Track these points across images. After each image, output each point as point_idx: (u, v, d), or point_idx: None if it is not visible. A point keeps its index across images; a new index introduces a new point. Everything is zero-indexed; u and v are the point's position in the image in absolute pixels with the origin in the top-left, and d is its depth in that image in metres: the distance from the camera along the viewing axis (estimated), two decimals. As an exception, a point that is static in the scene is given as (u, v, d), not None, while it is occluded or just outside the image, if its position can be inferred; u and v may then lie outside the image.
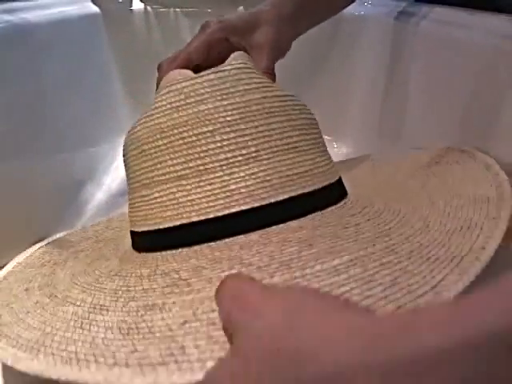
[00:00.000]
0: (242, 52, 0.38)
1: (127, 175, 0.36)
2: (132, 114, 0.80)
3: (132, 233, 0.36)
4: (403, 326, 0.15)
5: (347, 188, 0.37)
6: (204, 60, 0.40)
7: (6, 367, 0.29)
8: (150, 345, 0.22)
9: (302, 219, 0.31)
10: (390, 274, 0.23)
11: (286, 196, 0.30)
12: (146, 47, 0.79)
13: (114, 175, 0.68)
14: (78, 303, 0.29)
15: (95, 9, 0.73)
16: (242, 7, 0.74)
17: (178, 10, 0.77)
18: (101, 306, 0.27)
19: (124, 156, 0.36)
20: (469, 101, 0.46)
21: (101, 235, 0.47)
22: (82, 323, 0.26)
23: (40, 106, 0.53)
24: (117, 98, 0.78)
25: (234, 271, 0.26)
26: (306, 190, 0.32)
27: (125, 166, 0.36)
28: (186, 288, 0.26)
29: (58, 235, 0.47)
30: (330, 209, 0.32)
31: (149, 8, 0.77)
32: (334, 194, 0.34)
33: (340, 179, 0.36)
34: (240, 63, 0.33)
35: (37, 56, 0.54)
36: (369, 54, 0.67)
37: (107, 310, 0.27)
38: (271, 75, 0.39)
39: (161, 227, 0.32)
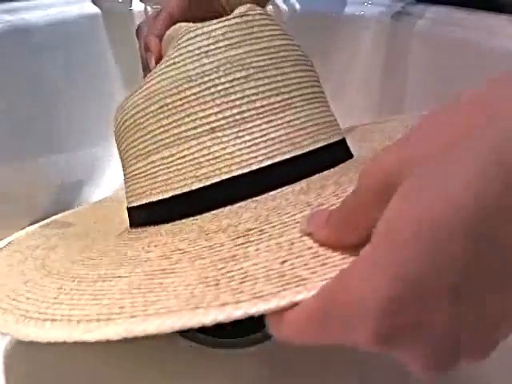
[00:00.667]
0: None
1: (126, 144, 0.32)
2: (132, 114, 0.80)
3: (141, 207, 0.31)
4: None
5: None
6: (184, 13, 0.38)
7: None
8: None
9: (341, 165, 0.30)
10: None
11: (322, 143, 0.30)
12: (146, 47, 0.79)
13: (114, 175, 0.68)
14: (128, 274, 0.24)
15: (95, 9, 0.73)
16: (241, 7, 0.74)
17: (177, 9, 0.77)
18: (160, 270, 0.23)
19: (122, 124, 0.32)
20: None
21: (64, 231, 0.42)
22: (148, 289, 0.21)
23: (40, 106, 0.53)
24: (117, 98, 0.78)
25: (306, 212, 0.22)
26: (336, 139, 0.31)
27: (122, 136, 0.32)
28: (264, 235, 0.22)
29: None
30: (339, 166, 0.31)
31: (149, 8, 0.77)
32: (342, 148, 0.33)
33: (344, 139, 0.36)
34: (258, 10, 0.31)
35: (37, 56, 0.54)
36: (368, 54, 0.67)
37: (173, 272, 0.22)
38: None
39: (193, 188, 0.28)
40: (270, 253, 0.20)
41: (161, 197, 0.29)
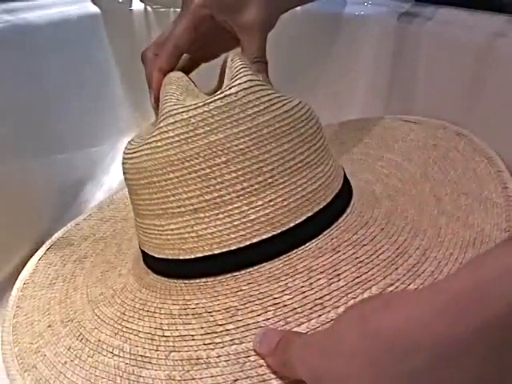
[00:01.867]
0: (237, 51, 0.36)
1: (132, 199, 0.35)
2: (132, 114, 0.80)
3: (145, 253, 0.35)
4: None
5: (346, 170, 0.37)
6: (190, 44, 0.37)
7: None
8: None
9: (321, 238, 0.30)
10: None
11: (303, 218, 0.30)
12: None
13: (114, 175, 0.68)
14: (116, 352, 0.28)
15: (95, 9, 0.73)
16: (242, 7, 0.74)
17: (178, 9, 0.77)
18: (142, 357, 0.27)
19: (126, 180, 0.34)
20: (469, 101, 0.46)
21: (98, 231, 0.47)
22: (128, 380, 0.26)
23: (40, 106, 0.53)
24: (117, 98, 0.78)
25: (269, 314, 0.26)
26: (321, 206, 0.31)
27: (128, 190, 0.35)
28: (227, 338, 0.26)
29: (54, 237, 0.47)
30: (342, 218, 0.32)
31: (149, 8, 0.77)
32: (344, 197, 0.34)
33: (345, 175, 0.36)
34: (245, 81, 0.31)
35: (37, 56, 0.54)
36: (369, 55, 0.67)
37: (150, 363, 0.26)
38: (263, 63, 0.37)
39: (181, 258, 0.31)
40: (227, 362, 0.25)
41: (156, 255, 0.33)
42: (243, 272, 0.30)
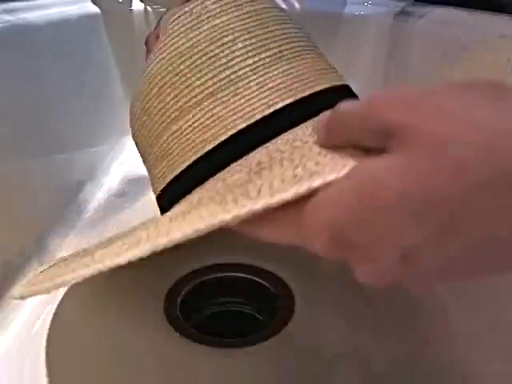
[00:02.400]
0: None
1: (143, 132, 0.34)
2: (132, 114, 0.80)
3: (167, 186, 0.33)
4: None
5: None
6: None
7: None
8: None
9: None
10: None
11: (320, 87, 0.31)
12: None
13: (114, 175, 0.68)
14: None
15: (95, 9, 0.73)
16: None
17: (177, 9, 0.77)
18: None
19: (136, 111, 0.34)
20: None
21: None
22: None
23: (40, 106, 0.53)
24: (117, 98, 0.78)
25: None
26: (338, 83, 0.32)
27: (138, 120, 0.34)
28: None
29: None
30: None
31: (149, 8, 0.77)
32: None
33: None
34: None
35: (37, 56, 0.54)
36: (369, 54, 0.67)
37: None
38: None
39: (206, 150, 0.30)
40: (281, 166, 0.22)
41: (183, 166, 0.31)
42: (273, 141, 0.28)
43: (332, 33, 0.70)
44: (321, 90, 0.30)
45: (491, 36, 0.43)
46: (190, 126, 0.30)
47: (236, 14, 0.31)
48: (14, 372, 0.36)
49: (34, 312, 0.42)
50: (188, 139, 0.30)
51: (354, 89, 0.34)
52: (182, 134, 0.31)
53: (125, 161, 0.72)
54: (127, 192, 0.63)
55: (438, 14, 0.54)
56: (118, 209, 0.59)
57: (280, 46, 0.30)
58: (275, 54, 0.30)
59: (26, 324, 0.40)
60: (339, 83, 0.33)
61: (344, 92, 0.33)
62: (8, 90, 0.46)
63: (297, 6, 0.72)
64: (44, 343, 0.38)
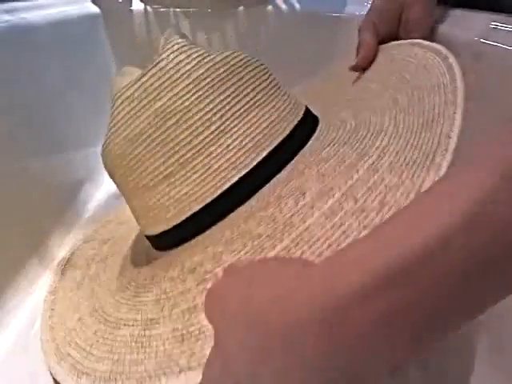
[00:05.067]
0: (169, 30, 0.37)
1: (119, 188, 0.37)
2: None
3: (147, 236, 0.37)
4: (330, 269, 0.17)
5: (316, 111, 0.37)
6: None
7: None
8: (204, 344, 0.25)
9: (288, 167, 0.31)
10: (378, 194, 0.25)
11: (265, 154, 0.31)
12: (146, 47, 0.79)
13: (114, 175, 0.68)
14: (131, 323, 0.30)
15: (95, 9, 0.73)
16: (242, 7, 0.74)
17: (177, 9, 0.77)
18: (151, 320, 0.29)
19: (107, 171, 0.37)
20: (470, 101, 0.46)
21: (116, 233, 0.49)
22: (141, 342, 0.28)
23: (40, 106, 0.53)
24: (117, 98, 0.77)
25: (247, 248, 0.27)
26: (280, 139, 0.32)
27: (112, 178, 0.37)
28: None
29: (75, 244, 0.50)
30: (308, 144, 0.33)
31: (149, 8, 0.77)
32: (307, 126, 0.34)
33: (307, 109, 0.36)
34: (173, 45, 0.32)
35: (37, 56, 0.54)
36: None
37: (158, 323, 0.29)
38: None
39: (169, 227, 0.33)
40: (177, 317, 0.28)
41: (149, 233, 0.35)
42: (225, 219, 0.31)
43: (332, 33, 0.70)
44: (262, 159, 0.31)
45: (491, 36, 0.43)
46: (153, 202, 0.32)
47: (175, 91, 0.30)
48: (13, 372, 0.36)
49: (33, 312, 0.42)
50: (155, 213, 0.33)
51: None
52: (148, 205, 0.33)
53: (125, 161, 0.72)
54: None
55: (438, 13, 0.54)
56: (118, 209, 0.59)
57: (222, 116, 0.30)
58: (218, 127, 0.30)
59: (26, 324, 0.40)
60: (280, 139, 0.32)
61: (286, 146, 0.32)
62: (8, 90, 0.46)
63: (297, 6, 0.72)
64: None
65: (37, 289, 0.45)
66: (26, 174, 0.48)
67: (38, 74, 0.53)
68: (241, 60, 0.33)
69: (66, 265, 0.46)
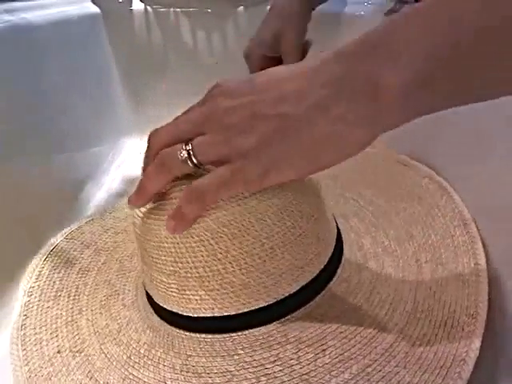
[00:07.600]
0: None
1: (140, 251, 0.35)
2: (132, 114, 0.80)
3: (150, 295, 0.36)
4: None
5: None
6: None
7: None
8: None
9: (312, 304, 0.32)
10: None
11: (298, 287, 0.31)
12: (146, 47, 0.79)
13: (114, 175, 0.68)
14: None
15: (95, 9, 0.74)
16: (242, 7, 0.74)
17: (178, 9, 0.77)
18: None
19: (136, 234, 0.35)
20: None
21: (99, 240, 0.48)
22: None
23: (40, 106, 0.53)
24: (117, 98, 0.78)
25: (261, 383, 0.29)
26: (314, 274, 0.32)
27: (137, 242, 0.35)
28: None
29: (57, 238, 0.48)
30: (333, 282, 0.34)
31: (149, 8, 0.77)
32: (335, 260, 0.35)
33: (338, 233, 0.37)
34: None
35: (37, 56, 0.54)
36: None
37: None
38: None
39: (184, 314, 0.33)
40: None
41: (160, 304, 0.35)
42: (240, 334, 0.32)
43: (332, 33, 0.70)
44: (293, 292, 0.31)
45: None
46: (177, 289, 0.32)
47: (238, 209, 0.30)
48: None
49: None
50: (174, 296, 0.33)
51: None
52: (170, 288, 0.33)
53: (125, 161, 0.72)
54: (127, 192, 0.63)
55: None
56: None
57: (272, 241, 0.30)
58: (267, 253, 0.30)
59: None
60: (314, 274, 0.32)
61: (317, 282, 0.33)
62: (8, 90, 0.47)
63: (297, 6, 0.72)
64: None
65: (37, 289, 0.45)
66: (27, 174, 0.48)
67: (39, 74, 0.53)
68: (302, 192, 0.33)
69: (45, 260, 0.45)
